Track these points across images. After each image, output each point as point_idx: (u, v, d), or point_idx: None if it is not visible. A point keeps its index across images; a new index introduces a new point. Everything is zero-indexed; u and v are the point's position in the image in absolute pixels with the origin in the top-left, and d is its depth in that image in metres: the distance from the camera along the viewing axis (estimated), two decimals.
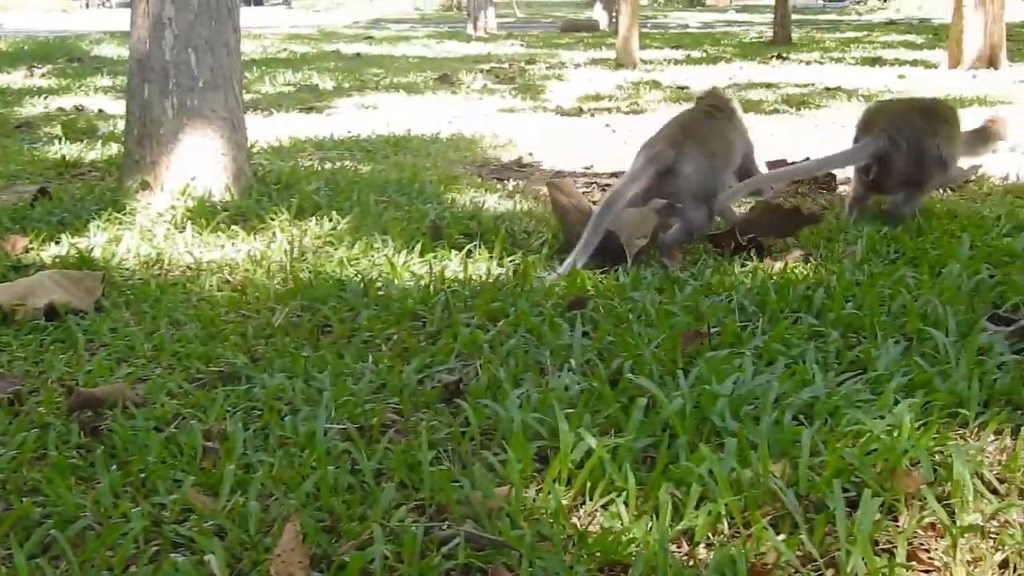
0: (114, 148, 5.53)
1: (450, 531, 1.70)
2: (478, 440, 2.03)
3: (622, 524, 1.69)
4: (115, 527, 1.70)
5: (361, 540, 1.68)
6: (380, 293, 2.97)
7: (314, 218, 3.81)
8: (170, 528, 1.72)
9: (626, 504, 1.74)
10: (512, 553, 1.63)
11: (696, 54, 14.90)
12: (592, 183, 4.91)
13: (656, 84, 10.25)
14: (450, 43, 18.53)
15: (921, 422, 1.96)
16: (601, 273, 3.16)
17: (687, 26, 25.54)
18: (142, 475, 1.90)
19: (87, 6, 43.59)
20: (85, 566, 1.63)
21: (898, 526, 1.70)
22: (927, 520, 1.70)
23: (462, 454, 1.98)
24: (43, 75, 10.84)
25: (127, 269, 3.28)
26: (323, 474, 1.85)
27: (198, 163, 4.13)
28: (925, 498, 1.72)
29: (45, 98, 8.54)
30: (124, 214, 3.86)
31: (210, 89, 4.14)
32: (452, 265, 3.24)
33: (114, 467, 1.93)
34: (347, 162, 5.32)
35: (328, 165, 5.13)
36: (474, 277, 3.11)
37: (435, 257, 3.32)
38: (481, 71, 11.97)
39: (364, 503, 1.79)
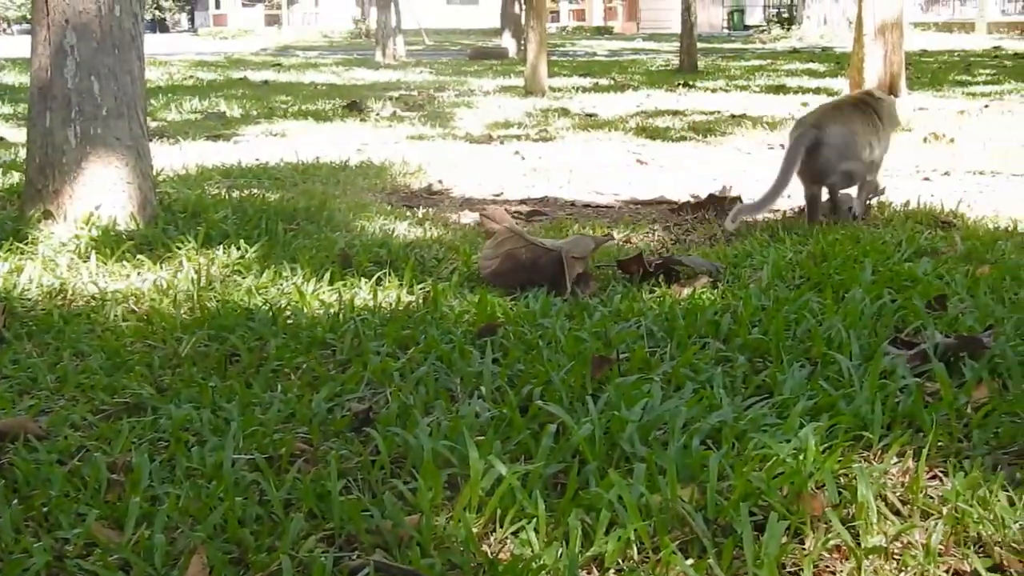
0: (15, 177, 5.41)
1: (360, 561, 1.69)
2: (388, 468, 2.02)
3: (532, 551, 1.69)
4: (16, 562, 1.66)
5: (270, 571, 1.66)
6: (289, 322, 2.95)
7: (221, 247, 3.77)
8: (73, 563, 1.69)
9: (536, 531, 1.74)
10: None
11: (604, 82, 15.06)
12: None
13: (565, 111, 10.34)
14: (359, 70, 18.52)
15: (826, 445, 1.99)
16: (511, 299, 3.17)
17: (595, 54, 25.80)
18: (45, 509, 1.86)
19: None
20: None
21: (804, 549, 1.72)
22: (832, 542, 1.72)
23: (372, 483, 1.97)
24: None
25: (29, 300, 3.21)
26: (231, 505, 1.83)
27: (102, 192, 4.06)
28: (830, 521, 1.75)
29: None
30: (26, 244, 3.78)
31: (114, 117, 4.08)
32: (362, 293, 3.23)
33: (16, 501, 1.88)
34: (255, 190, 5.27)
35: (236, 193, 5.08)
36: (384, 305, 3.10)
37: (344, 285, 3.30)
38: (390, 98, 11.97)
39: (272, 534, 1.77)
